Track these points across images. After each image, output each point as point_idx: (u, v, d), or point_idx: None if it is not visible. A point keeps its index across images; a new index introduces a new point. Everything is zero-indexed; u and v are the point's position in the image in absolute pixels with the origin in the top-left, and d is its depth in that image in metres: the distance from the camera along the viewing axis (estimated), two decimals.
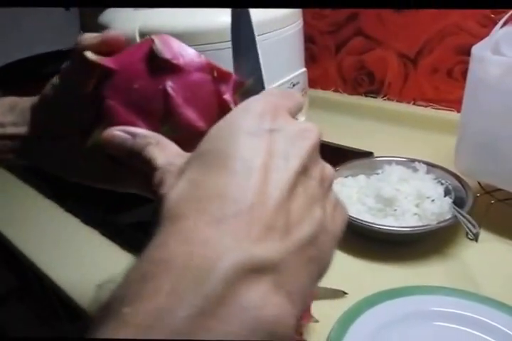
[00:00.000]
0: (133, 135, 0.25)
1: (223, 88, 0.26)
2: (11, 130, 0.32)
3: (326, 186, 0.22)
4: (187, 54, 0.25)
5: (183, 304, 0.15)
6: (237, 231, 0.17)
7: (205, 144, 0.21)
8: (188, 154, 0.22)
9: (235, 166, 0.19)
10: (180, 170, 0.21)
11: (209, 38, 0.52)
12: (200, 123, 0.25)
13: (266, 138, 0.20)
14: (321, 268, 0.20)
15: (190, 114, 0.25)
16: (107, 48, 0.27)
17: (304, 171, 0.20)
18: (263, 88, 0.29)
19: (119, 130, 0.25)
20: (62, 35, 1.15)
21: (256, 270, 0.17)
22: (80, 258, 0.56)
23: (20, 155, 0.33)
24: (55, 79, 0.29)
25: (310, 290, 0.19)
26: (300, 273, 0.18)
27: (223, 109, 0.25)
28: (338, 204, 0.23)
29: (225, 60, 0.57)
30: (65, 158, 0.32)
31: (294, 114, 0.23)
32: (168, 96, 0.24)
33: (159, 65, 0.25)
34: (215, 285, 0.16)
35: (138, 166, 0.24)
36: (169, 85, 0.24)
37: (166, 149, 0.24)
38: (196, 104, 0.25)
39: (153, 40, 0.25)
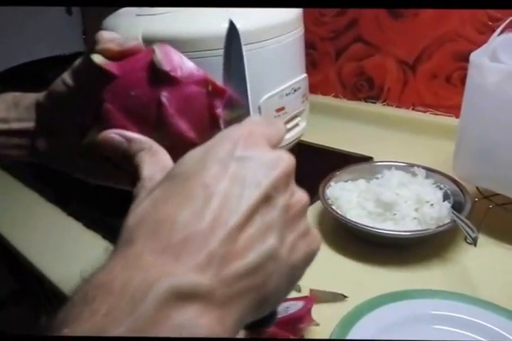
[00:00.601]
0: (128, 139, 0.25)
1: (217, 103, 0.27)
2: (15, 125, 0.32)
3: (292, 214, 0.22)
4: (185, 67, 0.26)
5: (116, 323, 0.16)
6: (178, 258, 0.18)
7: (177, 167, 0.22)
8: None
9: (195, 192, 0.20)
10: (152, 189, 0.22)
11: (210, 44, 0.53)
12: (190, 134, 0.26)
13: (233, 166, 0.21)
14: (265, 296, 0.20)
15: (182, 124, 0.26)
16: (122, 56, 0.28)
17: (266, 200, 0.20)
18: (248, 112, 0.30)
19: (116, 133, 0.26)
20: (64, 40, 1.16)
21: (187, 296, 0.17)
22: (82, 262, 0.56)
23: (26, 151, 0.33)
24: (65, 75, 0.30)
25: (250, 313, 0.20)
26: (234, 301, 0.19)
27: (214, 123, 0.27)
28: (307, 234, 0.23)
29: None
30: (67, 155, 0.32)
31: (273, 142, 0.24)
32: (162, 105, 0.25)
33: (158, 76, 0.26)
34: (147, 307, 0.17)
35: (130, 170, 0.25)
36: (164, 95, 0.25)
37: (157, 157, 0.25)
38: (188, 116, 0.26)
39: (154, 51, 0.26)
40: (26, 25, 1.11)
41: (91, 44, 0.28)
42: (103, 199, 0.69)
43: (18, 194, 0.75)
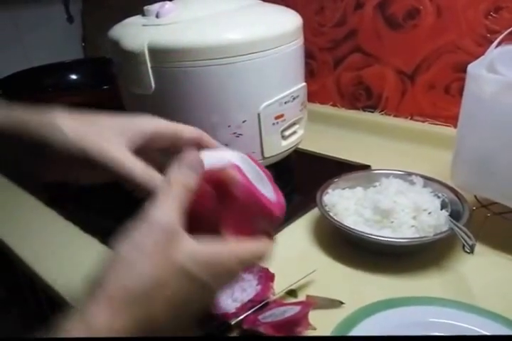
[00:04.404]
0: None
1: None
2: None
3: None
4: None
5: None
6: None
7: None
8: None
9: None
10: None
11: (216, 54, 0.54)
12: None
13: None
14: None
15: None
16: None
17: None
18: None
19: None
20: (63, 48, 1.17)
21: None
22: (79, 266, 0.56)
23: None
24: None
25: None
26: None
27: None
28: None
29: (232, 75, 0.58)
30: None
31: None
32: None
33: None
34: None
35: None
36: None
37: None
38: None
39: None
40: (27, 35, 1.11)
41: None
42: (100, 203, 0.69)
43: (15, 197, 0.75)
